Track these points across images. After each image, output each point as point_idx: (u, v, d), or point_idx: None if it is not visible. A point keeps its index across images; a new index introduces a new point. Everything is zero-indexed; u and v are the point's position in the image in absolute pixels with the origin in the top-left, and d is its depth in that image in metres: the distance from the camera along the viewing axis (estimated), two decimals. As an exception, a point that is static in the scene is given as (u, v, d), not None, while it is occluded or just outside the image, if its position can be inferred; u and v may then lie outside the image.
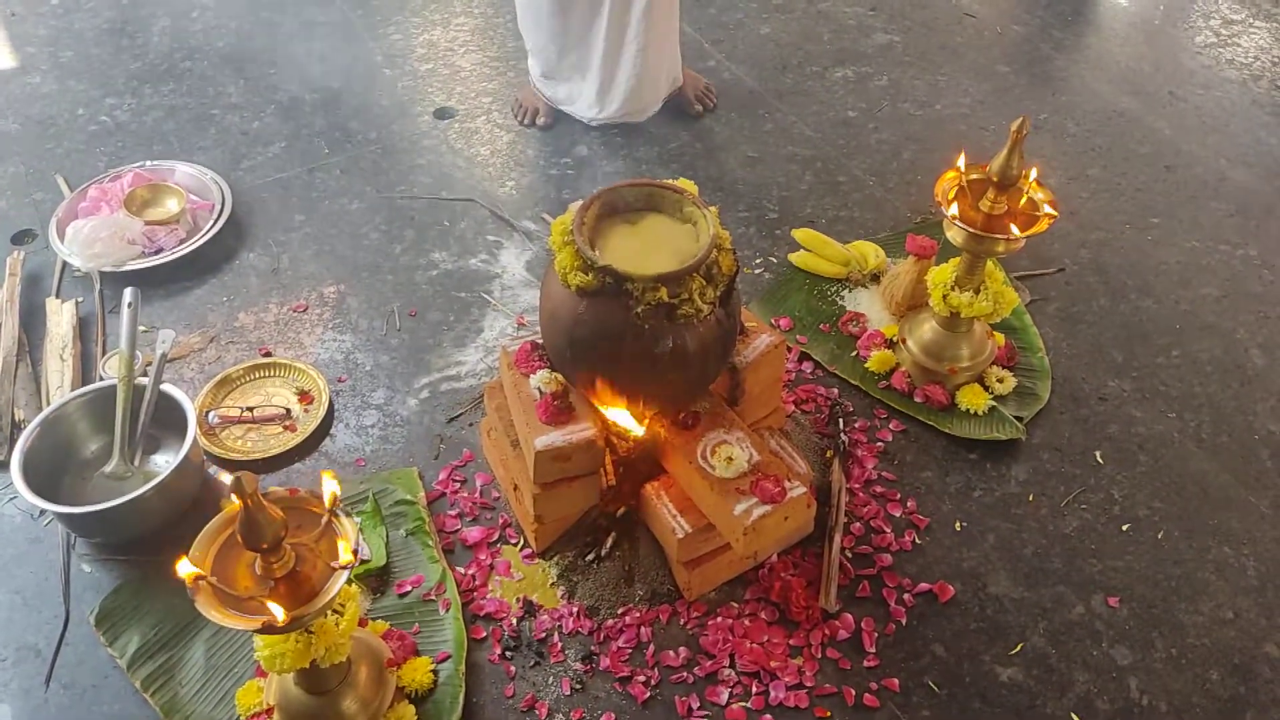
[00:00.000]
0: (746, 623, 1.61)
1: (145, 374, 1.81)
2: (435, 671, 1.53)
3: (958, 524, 1.76)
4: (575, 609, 1.62)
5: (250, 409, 1.93)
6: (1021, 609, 1.64)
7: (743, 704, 1.51)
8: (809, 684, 1.53)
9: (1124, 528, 1.76)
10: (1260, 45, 2.93)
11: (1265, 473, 1.87)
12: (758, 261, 2.24)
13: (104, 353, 2.02)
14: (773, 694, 1.52)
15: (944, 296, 1.88)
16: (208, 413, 1.92)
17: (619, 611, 1.62)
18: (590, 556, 1.67)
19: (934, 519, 1.77)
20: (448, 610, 1.61)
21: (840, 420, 1.92)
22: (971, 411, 1.95)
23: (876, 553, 1.71)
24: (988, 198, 1.76)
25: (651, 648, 1.57)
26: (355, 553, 1.23)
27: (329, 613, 1.28)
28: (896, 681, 1.54)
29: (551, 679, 1.54)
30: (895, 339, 2.05)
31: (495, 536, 1.73)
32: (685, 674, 1.54)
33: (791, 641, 1.58)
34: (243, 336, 2.08)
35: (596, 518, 1.69)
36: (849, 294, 2.18)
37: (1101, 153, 2.56)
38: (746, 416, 1.70)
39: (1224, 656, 1.58)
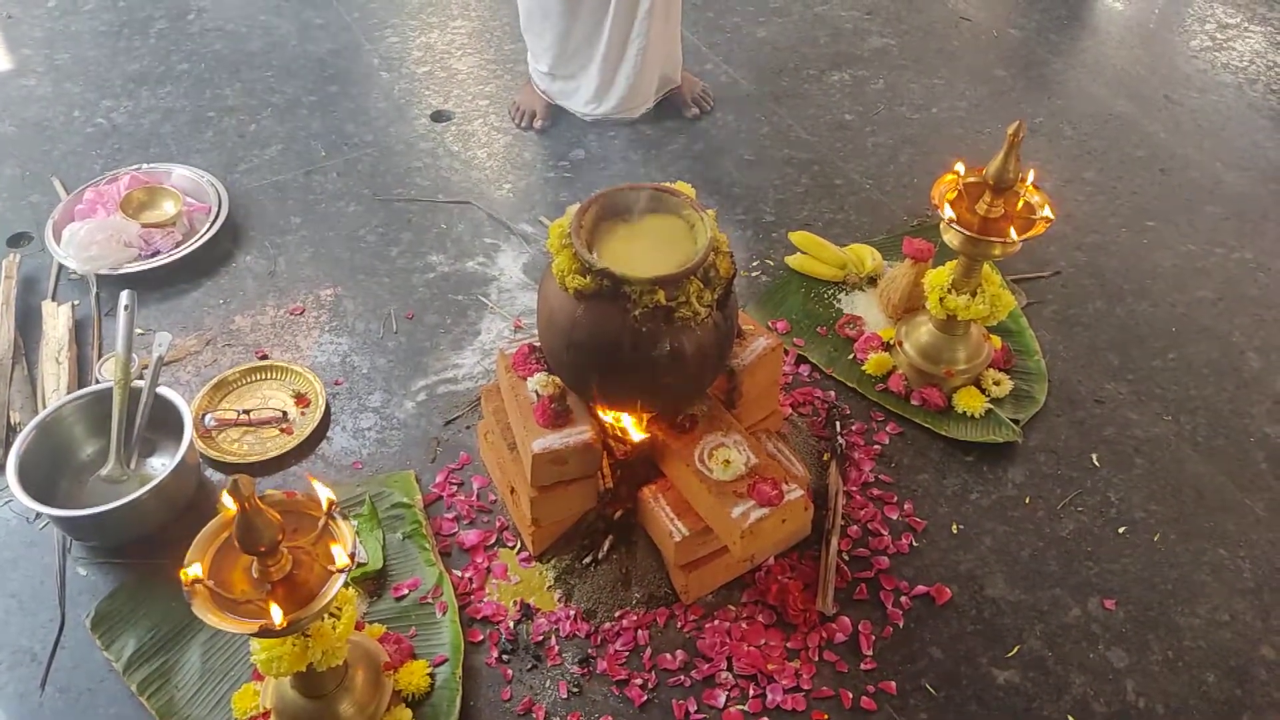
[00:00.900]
0: (744, 626, 1.61)
1: (141, 377, 1.81)
2: (432, 675, 1.52)
3: (955, 527, 1.76)
4: (572, 612, 1.62)
5: (246, 412, 1.93)
6: (1018, 611, 1.64)
7: (740, 707, 1.51)
8: (806, 687, 1.53)
9: (1120, 530, 1.76)
10: (1255, 49, 2.94)
11: (1261, 475, 1.87)
12: (754, 264, 2.25)
13: (100, 356, 2.01)
14: (770, 697, 1.52)
15: (941, 299, 1.88)
16: (204, 415, 1.91)
17: (616, 614, 1.62)
18: (587, 560, 1.67)
19: (931, 522, 1.77)
20: (444, 613, 1.61)
21: (837, 423, 1.92)
22: (968, 414, 1.95)
23: (874, 555, 1.71)
24: (984, 201, 1.76)
25: (649, 651, 1.57)
26: (352, 556, 1.23)
27: (326, 616, 1.28)
28: (894, 684, 1.54)
29: (548, 682, 1.54)
30: (892, 342, 2.05)
31: (492, 539, 1.73)
32: (682, 677, 1.54)
33: (789, 644, 1.58)
34: (239, 339, 2.07)
35: (594, 521, 1.69)
36: (846, 297, 2.19)
37: (1097, 156, 2.56)
38: (744, 419, 1.70)
39: (1220, 659, 1.59)
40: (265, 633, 1.17)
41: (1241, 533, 1.76)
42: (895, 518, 1.78)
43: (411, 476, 1.81)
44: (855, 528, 1.75)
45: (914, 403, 1.98)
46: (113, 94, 2.67)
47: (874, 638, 1.59)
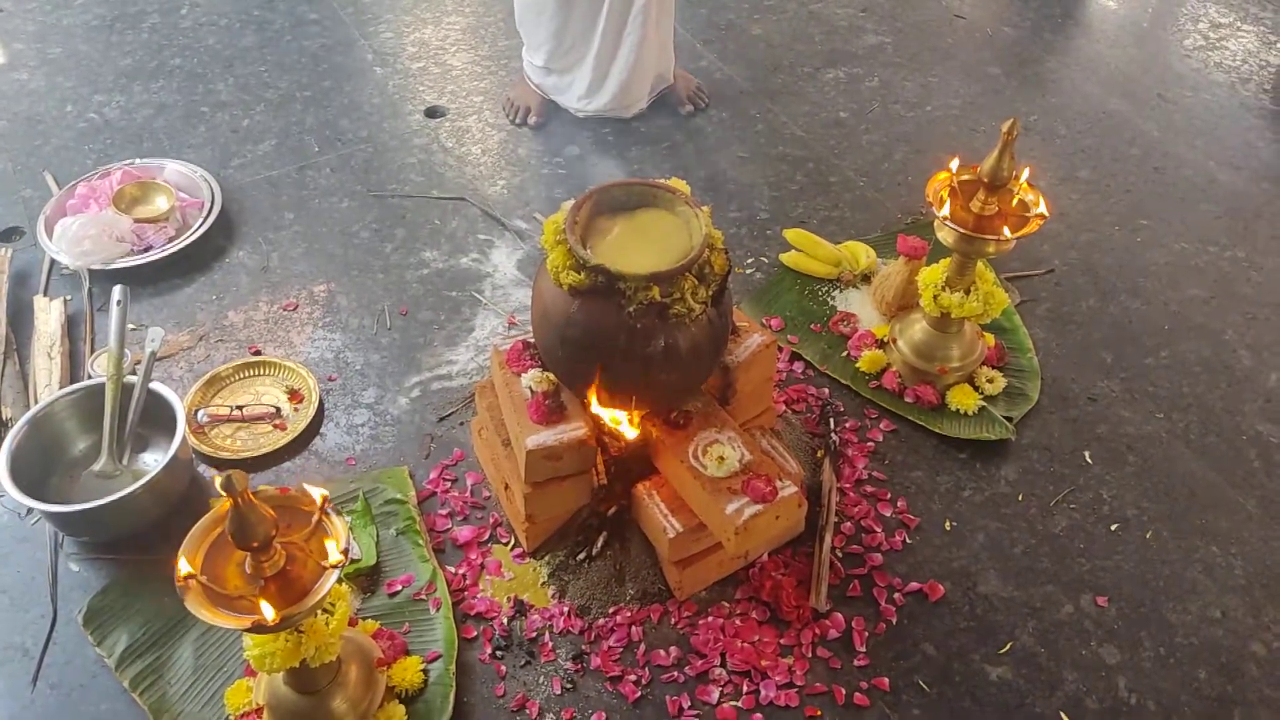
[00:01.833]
0: (737, 622, 1.61)
1: (134, 372, 1.80)
2: (425, 671, 1.52)
3: (947, 524, 1.76)
4: (566, 608, 1.62)
5: (240, 408, 1.92)
6: (1011, 608, 1.64)
7: (733, 703, 1.51)
8: (799, 683, 1.53)
9: (1113, 528, 1.77)
10: (1248, 49, 2.94)
11: (1253, 473, 1.88)
12: (749, 261, 2.25)
13: (92, 351, 2.00)
14: (763, 693, 1.52)
15: (935, 297, 1.88)
16: (197, 411, 1.91)
17: (610, 611, 1.62)
18: (581, 556, 1.67)
19: (924, 519, 1.77)
20: (438, 609, 1.61)
21: (831, 420, 1.92)
22: (961, 412, 1.95)
23: (867, 552, 1.71)
24: (978, 199, 1.77)
25: (642, 647, 1.57)
26: (345, 552, 1.22)
27: (319, 612, 1.28)
28: (886, 680, 1.54)
29: (542, 678, 1.54)
30: (886, 339, 2.05)
31: (486, 536, 1.73)
32: (676, 673, 1.54)
33: (782, 641, 1.58)
34: (232, 335, 2.07)
35: (588, 517, 1.68)
36: (840, 294, 2.19)
37: (1091, 154, 2.57)
38: (738, 416, 1.70)
39: (1212, 655, 1.59)
40: (258, 628, 1.17)
41: (1233, 530, 1.77)
42: (888, 515, 1.79)
43: (405, 472, 1.81)
44: (849, 524, 1.76)
45: (908, 400, 1.98)
46: (105, 88, 2.66)
47: (867, 634, 1.59)
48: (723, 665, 1.55)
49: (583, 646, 1.57)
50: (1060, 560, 1.71)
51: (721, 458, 1.53)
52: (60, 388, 1.87)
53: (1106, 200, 2.45)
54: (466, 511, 1.76)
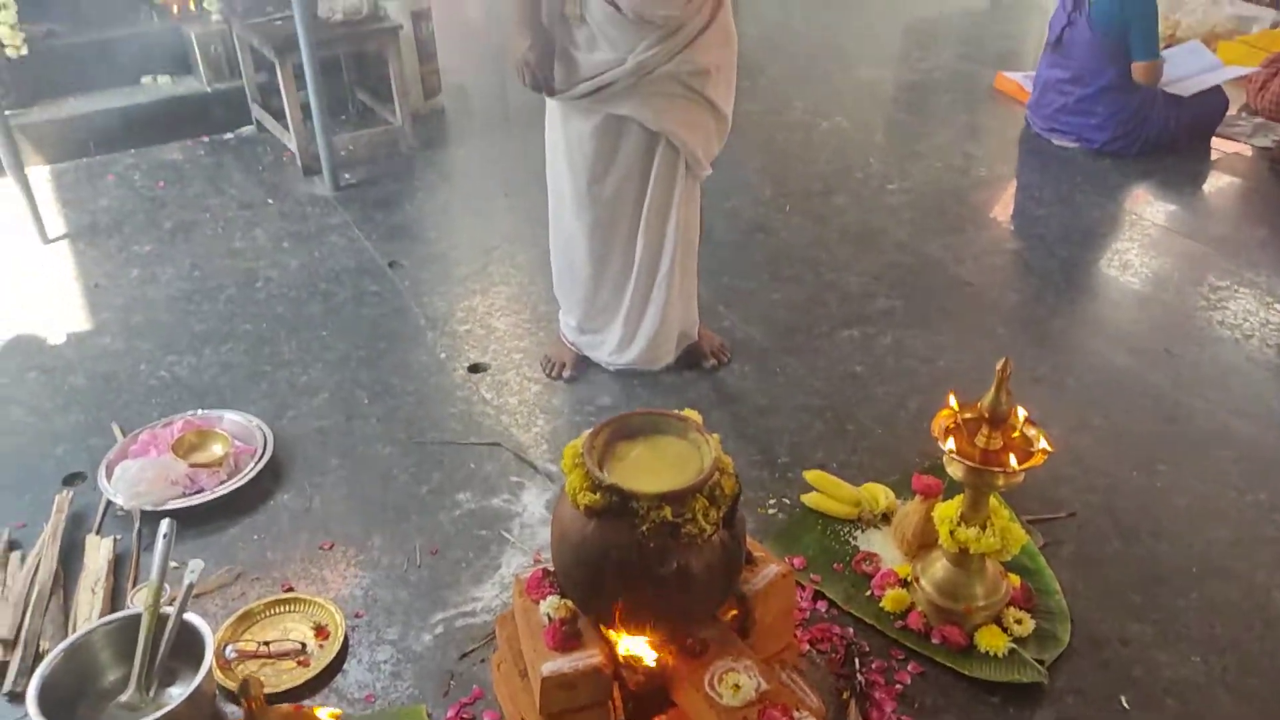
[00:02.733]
0: None
1: (172, 605, 1.86)
2: None
3: (980, 767, 1.69)
4: None
5: (267, 643, 1.95)
6: None
7: None
8: None
9: (1156, 774, 1.68)
10: (1247, 308, 3.10)
11: (1301, 719, 1.80)
12: (771, 502, 2.31)
13: (134, 586, 2.08)
14: None
15: (951, 532, 1.91)
16: (225, 646, 1.94)
17: None
18: (597, 794, 1.62)
19: (954, 761, 1.70)
20: None
21: (856, 660, 1.90)
22: (991, 653, 1.92)
23: (895, 796, 1.64)
24: (983, 434, 1.85)
25: None
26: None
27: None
28: None
29: None
30: (909, 578, 2.06)
31: (501, 773, 1.69)
32: None
33: None
34: (268, 572, 2.14)
35: (604, 753, 1.65)
36: (861, 534, 2.22)
37: (1101, 404, 2.66)
38: (759, 651, 1.70)
39: None
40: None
41: (1286, 778, 1.68)
42: (917, 757, 1.72)
43: (422, 710, 1.81)
44: (875, 766, 1.69)
45: (934, 640, 1.96)
46: (178, 350, 2.91)
47: None
48: None
49: None
50: (1102, 808, 1.62)
51: (737, 686, 1.52)
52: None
53: (1121, 446, 2.51)
54: (482, 748, 1.73)
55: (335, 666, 1.91)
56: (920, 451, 2.46)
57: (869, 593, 2.07)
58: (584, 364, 2.77)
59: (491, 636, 1.95)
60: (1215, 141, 4.25)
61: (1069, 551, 2.20)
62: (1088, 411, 2.64)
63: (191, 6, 4.29)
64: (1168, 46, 4.40)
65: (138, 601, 1.98)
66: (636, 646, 1.62)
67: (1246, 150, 4.19)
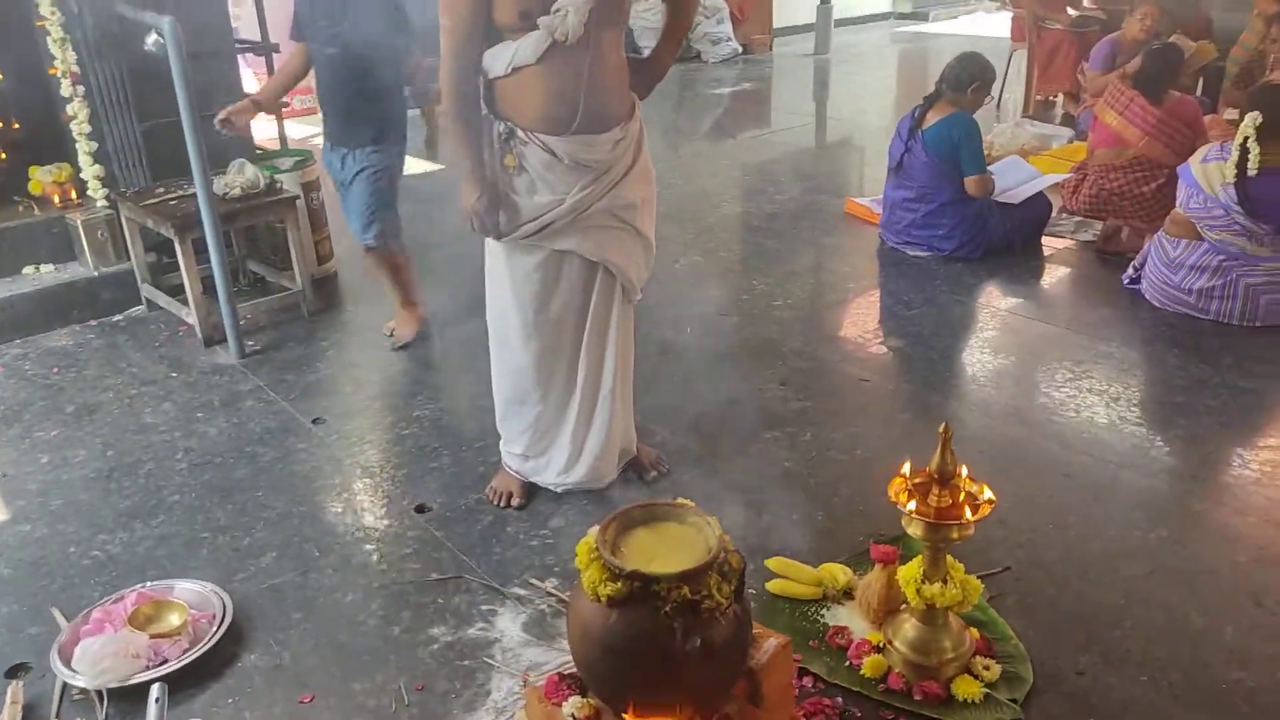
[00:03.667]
0: None
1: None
2: None
3: (988, 802, 1.81)
4: None
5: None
6: None
7: None
8: None
9: (1140, 781, 1.84)
10: (1108, 375, 3.49)
11: (1244, 717, 2.01)
12: (738, 595, 2.42)
13: (111, 766, 1.99)
14: None
15: (917, 590, 2.08)
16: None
17: None
18: None
19: (964, 801, 1.81)
20: None
21: (850, 725, 2.01)
22: (969, 700, 2.07)
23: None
24: (933, 494, 2.04)
25: None
26: None
27: None
28: None
29: None
30: (882, 644, 2.20)
31: None
32: None
33: None
34: (252, 732, 2.08)
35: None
36: (828, 611, 2.36)
37: (1006, 471, 2.92)
38: (766, 725, 1.79)
39: None
40: None
41: (1248, 766, 1.86)
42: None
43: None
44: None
45: (917, 697, 2.09)
46: (107, 529, 2.82)
47: None
48: None
49: None
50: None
51: (767, 750, 1.60)
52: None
53: (1034, 506, 2.76)
54: None
55: (341, 816, 1.87)
56: (861, 530, 2.65)
57: (848, 663, 2.20)
58: (530, 491, 2.86)
59: (499, 759, 1.95)
60: (1046, 240, 4.81)
61: (1012, 601, 2.39)
62: (997, 480, 2.85)
63: (74, 195, 4.29)
64: (991, 163, 4.99)
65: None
66: (665, 733, 1.69)
67: (1073, 244, 4.77)
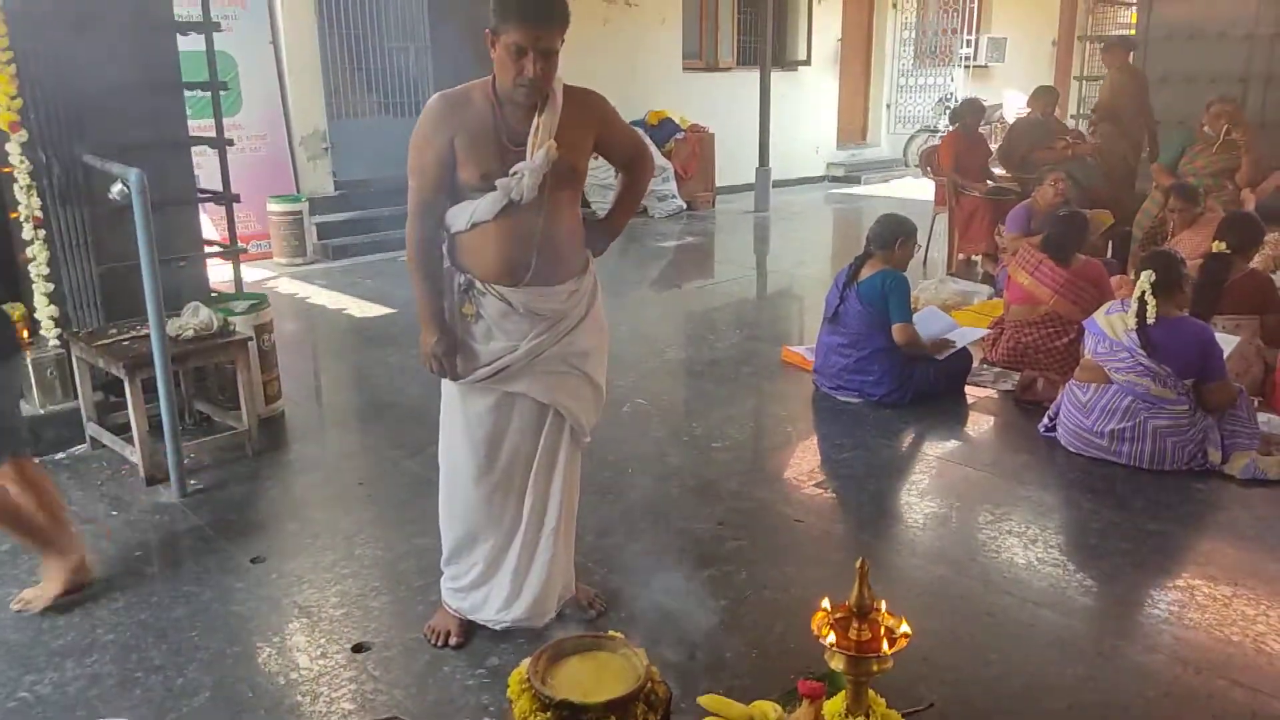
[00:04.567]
0: None
1: None
2: None
3: None
4: None
5: None
6: None
7: None
8: None
9: None
10: (1026, 517, 3.67)
11: None
12: (671, 733, 2.46)
13: None
14: None
15: (840, 724, 2.15)
16: None
17: None
18: None
19: None
20: None
21: None
22: (893, 836, 2.12)
23: None
24: (854, 629, 2.15)
25: None
26: None
27: None
28: None
29: None
30: (809, 781, 2.25)
31: None
32: None
33: None
34: None
35: None
36: (758, 748, 2.40)
37: (932, 610, 3.04)
38: None
39: None
40: None
41: None
42: None
43: None
44: None
45: (842, 833, 2.13)
46: (37, 668, 2.79)
47: None
48: None
49: None
50: None
51: None
52: None
53: (957, 643, 2.87)
54: None
55: None
56: (793, 668, 2.71)
57: (777, 800, 2.24)
58: (469, 630, 2.89)
59: None
60: (968, 389, 5.07)
61: (939, 738, 2.47)
62: (922, 618, 2.99)
63: (25, 335, 4.35)
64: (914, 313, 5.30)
65: None
66: None
67: (994, 393, 5.03)
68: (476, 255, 2.60)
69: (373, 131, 9.43)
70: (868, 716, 2.16)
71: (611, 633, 1.88)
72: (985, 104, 8.89)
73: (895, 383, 4.77)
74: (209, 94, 4.99)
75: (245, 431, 4.26)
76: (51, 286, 4.27)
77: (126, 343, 4.08)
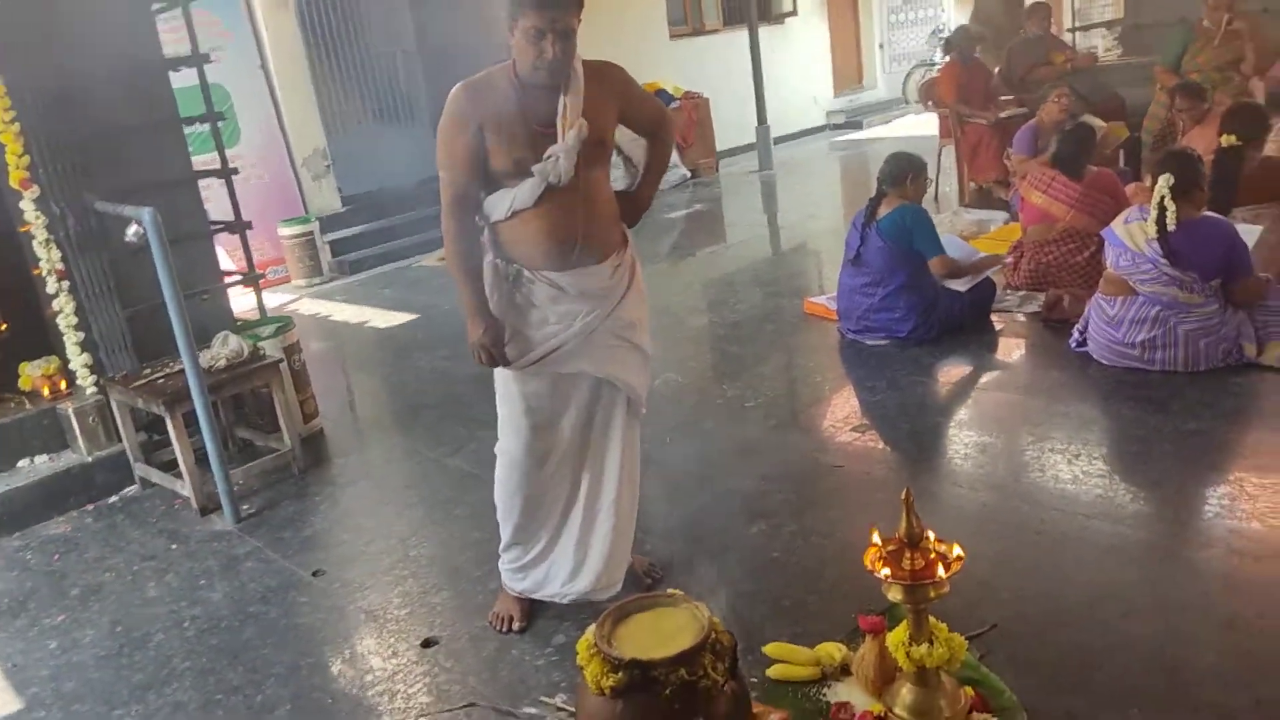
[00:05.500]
0: None
1: None
2: None
3: None
4: None
5: None
6: None
7: None
8: None
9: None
10: (1067, 434, 3.67)
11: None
12: (741, 684, 2.50)
13: None
14: None
15: (907, 653, 2.18)
16: None
17: None
18: None
19: None
20: None
21: (861, 795, 2.08)
22: (974, 755, 2.15)
23: None
24: (906, 558, 2.17)
25: None
26: None
27: None
28: None
29: None
30: (883, 713, 2.28)
31: None
32: None
33: None
34: None
35: None
36: (829, 689, 2.45)
37: (982, 535, 3.06)
38: (778, 802, 1.87)
39: None
40: None
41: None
42: None
43: None
44: None
45: (921, 760, 2.17)
46: (122, 703, 2.88)
47: None
48: None
49: None
50: None
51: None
52: None
53: (1010, 563, 2.89)
54: None
55: None
56: (852, 608, 2.74)
57: (853, 736, 2.28)
58: (531, 612, 2.94)
59: None
60: (994, 316, 5.05)
61: (1002, 656, 2.50)
62: (973, 543, 2.97)
63: (63, 386, 4.45)
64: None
65: None
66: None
67: (1020, 317, 5.01)
68: (521, 243, 2.60)
69: (371, 142, 9.49)
70: (931, 643, 2.19)
71: (671, 590, 1.92)
72: (980, 30, 8.78)
73: (921, 317, 4.76)
74: (207, 127, 5.04)
75: (289, 451, 4.34)
76: (82, 335, 4.35)
77: (161, 381, 4.16)
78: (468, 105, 2.51)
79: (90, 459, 4.41)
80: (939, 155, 8.28)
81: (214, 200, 5.87)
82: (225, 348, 4.17)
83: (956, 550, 2.17)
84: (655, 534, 3.34)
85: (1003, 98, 7.97)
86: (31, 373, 4.44)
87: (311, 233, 8.50)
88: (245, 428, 4.74)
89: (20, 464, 4.38)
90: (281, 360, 4.40)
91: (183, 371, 3.91)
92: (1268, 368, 3.92)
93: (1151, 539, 2.96)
